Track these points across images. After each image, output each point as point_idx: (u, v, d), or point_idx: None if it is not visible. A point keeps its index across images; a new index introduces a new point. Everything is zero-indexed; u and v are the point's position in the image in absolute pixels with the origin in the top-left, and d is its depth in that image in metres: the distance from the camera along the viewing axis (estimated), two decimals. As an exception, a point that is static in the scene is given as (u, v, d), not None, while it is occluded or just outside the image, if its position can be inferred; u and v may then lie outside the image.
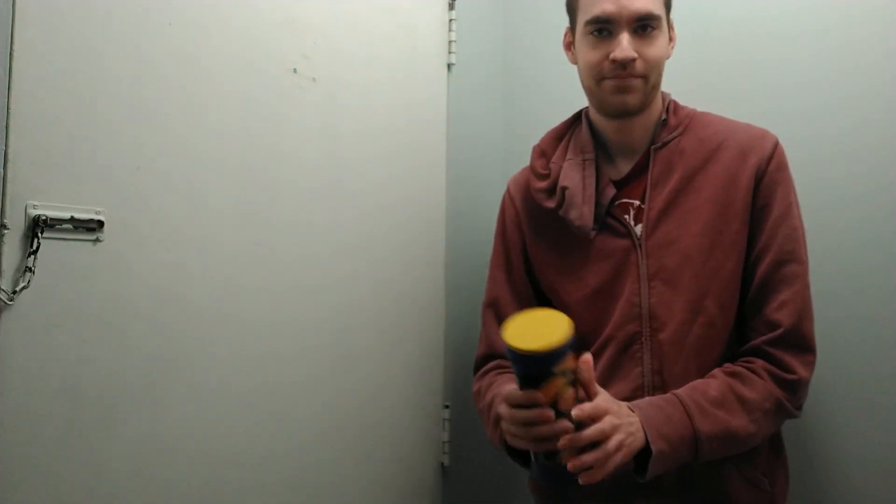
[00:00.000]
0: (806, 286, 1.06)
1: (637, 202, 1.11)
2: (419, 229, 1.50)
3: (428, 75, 1.54)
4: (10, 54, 0.90)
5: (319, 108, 1.29)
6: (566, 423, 0.89)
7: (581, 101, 1.23)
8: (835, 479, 1.26)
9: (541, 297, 1.23)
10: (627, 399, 1.03)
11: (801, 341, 1.04)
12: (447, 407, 1.55)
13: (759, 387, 1.01)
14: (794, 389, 1.03)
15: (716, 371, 1.05)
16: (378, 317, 1.39)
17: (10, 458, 0.89)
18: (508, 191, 1.28)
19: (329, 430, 1.30)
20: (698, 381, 1.03)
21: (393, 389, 1.43)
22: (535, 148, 1.23)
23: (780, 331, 1.03)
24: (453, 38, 1.59)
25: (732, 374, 1.03)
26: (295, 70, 1.25)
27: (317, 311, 1.28)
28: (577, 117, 1.22)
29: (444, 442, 1.54)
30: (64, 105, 0.95)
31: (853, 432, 1.25)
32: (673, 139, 1.11)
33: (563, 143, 1.20)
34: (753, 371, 1.03)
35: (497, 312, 1.23)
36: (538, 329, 0.88)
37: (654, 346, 1.06)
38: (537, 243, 1.20)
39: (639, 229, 1.09)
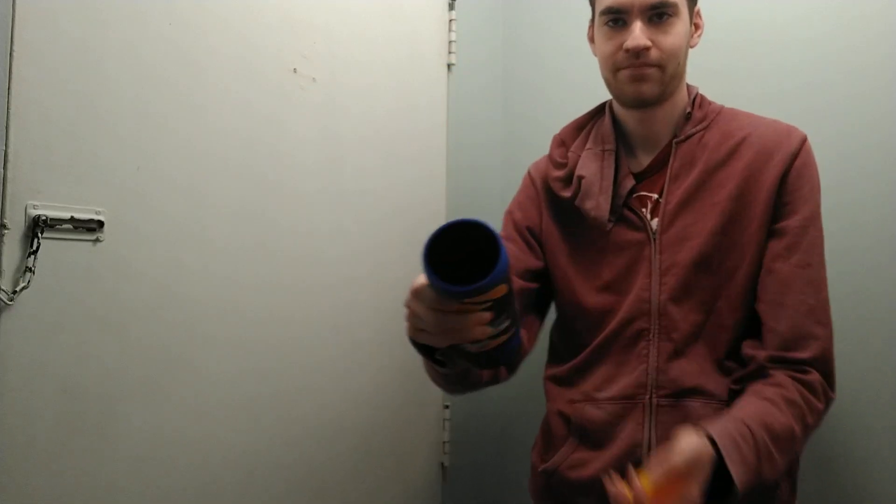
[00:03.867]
0: (826, 290, 1.01)
1: (655, 196, 1.08)
2: (419, 225, 1.50)
3: (428, 75, 1.54)
4: (10, 54, 0.90)
5: (319, 107, 1.29)
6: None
7: (581, 98, 1.22)
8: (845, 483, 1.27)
9: (539, 288, 1.18)
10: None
11: (827, 366, 0.99)
12: (447, 407, 1.55)
13: (808, 417, 0.96)
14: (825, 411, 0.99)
15: (777, 398, 0.96)
16: (378, 317, 1.39)
17: (10, 458, 0.89)
18: (529, 173, 1.23)
19: (329, 430, 1.30)
20: (766, 409, 0.94)
21: (393, 389, 1.43)
22: (554, 137, 1.20)
23: (808, 354, 0.98)
24: (453, 39, 1.59)
25: (793, 405, 0.95)
26: (295, 70, 1.25)
27: (317, 311, 1.28)
28: (601, 108, 1.19)
29: (444, 442, 1.54)
30: (64, 105, 0.95)
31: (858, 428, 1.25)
32: (696, 133, 1.08)
33: (583, 133, 1.17)
34: (806, 403, 0.96)
35: None
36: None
37: (663, 344, 1.04)
38: (553, 229, 1.16)
39: (655, 223, 1.07)
